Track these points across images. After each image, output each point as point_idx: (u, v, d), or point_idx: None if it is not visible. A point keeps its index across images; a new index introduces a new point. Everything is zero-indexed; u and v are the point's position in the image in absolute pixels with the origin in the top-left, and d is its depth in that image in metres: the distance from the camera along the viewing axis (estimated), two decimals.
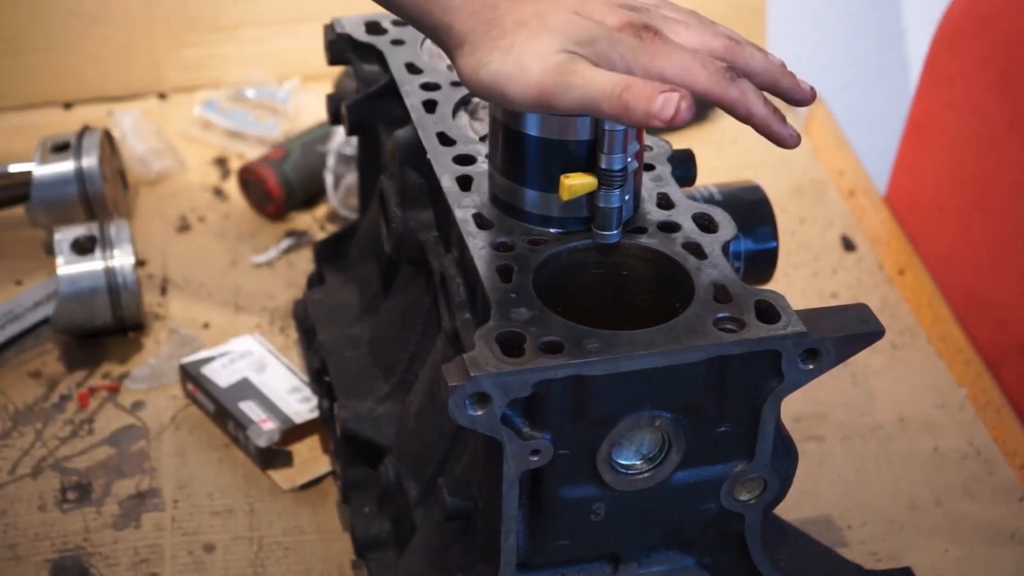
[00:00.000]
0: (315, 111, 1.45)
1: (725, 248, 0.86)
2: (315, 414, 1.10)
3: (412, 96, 0.98)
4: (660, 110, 0.76)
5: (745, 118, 0.80)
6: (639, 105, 0.76)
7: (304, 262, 1.28)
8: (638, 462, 0.81)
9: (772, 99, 0.82)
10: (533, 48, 0.78)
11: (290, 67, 1.50)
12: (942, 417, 1.16)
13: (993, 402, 1.18)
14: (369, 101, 1.03)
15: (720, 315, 0.80)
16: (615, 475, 0.80)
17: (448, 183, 0.90)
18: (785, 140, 0.81)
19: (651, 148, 0.94)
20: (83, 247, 1.17)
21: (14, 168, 1.29)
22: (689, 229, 0.87)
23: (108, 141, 1.32)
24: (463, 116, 0.98)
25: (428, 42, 1.05)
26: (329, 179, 1.32)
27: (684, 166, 0.95)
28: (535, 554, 0.83)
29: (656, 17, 0.81)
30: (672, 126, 0.77)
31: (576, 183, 0.83)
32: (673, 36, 0.80)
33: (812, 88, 0.83)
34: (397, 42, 1.05)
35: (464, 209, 0.88)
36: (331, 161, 1.32)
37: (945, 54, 1.39)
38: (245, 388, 1.12)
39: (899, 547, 1.04)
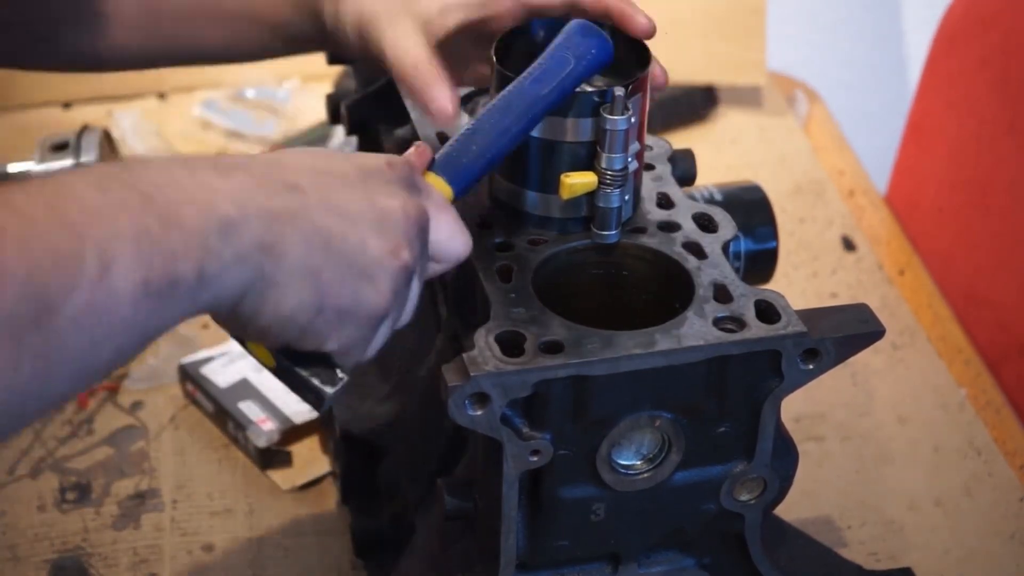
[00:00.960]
0: (315, 111, 1.45)
1: (725, 248, 0.86)
2: (315, 414, 1.10)
3: None
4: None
5: None
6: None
7: None
8: (638, 462, 0.81)
9: None
10: None
11: (290, 67, 1.50)
12: (942, 417, 1.16)
13: (993, 402, 1.18)
14: (369, 101, 1.03)
15: (720, 315, 0.80)
16: (615, 475, 0.80)
17: None
18: None
19: (651, 148, 0.94)
20: None
21: (13, 168, 1.29)
22: (689, 229, 0.87)
23: (108, 141, 1.32)
24: (463, 116, 0.97)
25: None
26: None
27: (684, 166, 0.95)
28: (535, 554, 0.83)
29: None
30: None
31: (576, 182, 0.83)
32: None
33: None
34: None
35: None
36: None
37: (945, 54, 1.39)
38: (244, 388, 1.12)
39: (899, 547, 1.04)
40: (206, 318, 1.22)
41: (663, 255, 0.85)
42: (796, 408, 1.11)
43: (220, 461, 1.10)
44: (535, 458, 0.78)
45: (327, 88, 1.38)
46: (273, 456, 1.08)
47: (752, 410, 0.81)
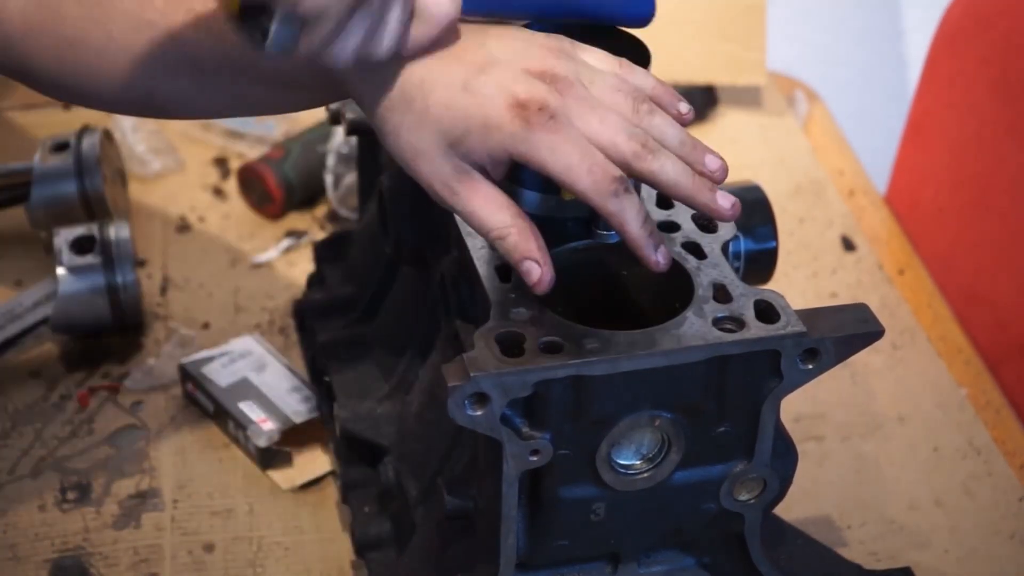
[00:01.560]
0: (315, 111, 1.44)
1: (725, 248, 0.86)
2: (315, 414, 1.10)
3: None
4: (527, 273, 0.78)
5: (618, 231, 0.79)
6: (512, 256, 0.78)
7: (304, 262, 1.28)
8: (638, 462, 0.81)
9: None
10: (417, 142, 0.79)
11: None
12: (942, 417, 1.16)
13: (993, 402, 1.18)
14: None
15: (720, 315, 0.80)
16: (615, 475, 0.80)
17: None
18: (652, 265, 0.79)
19: None
20: (83, 247, 1.17)
21: (14, 168, 1.29)
22: (689, 229, 0.87)
23: (108, 141, 1.32)
24: None
25: None
26: (329, 179, 1.32)
27: None
28: (535, 554, 0.83)
29: (564, 88, 0.78)
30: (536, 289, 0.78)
31: None
32: (578, 117, 0.77)
33: (734, 204, 0.80)
34: None
35: None
36: (331, 161, 1.32)
37: (945, 54, 1.39)
38: (245, 388, 1.12)
39: (899, 547, 1.04)
40: (207, 317, 1.23)
41: None
42: (796, 408, 1.11)
43: (220, 461, 1.10)
44: (535, 458, 0.78)
45: None
46: (273, 456, 1.08)
47: (752, 410, 0.81)
